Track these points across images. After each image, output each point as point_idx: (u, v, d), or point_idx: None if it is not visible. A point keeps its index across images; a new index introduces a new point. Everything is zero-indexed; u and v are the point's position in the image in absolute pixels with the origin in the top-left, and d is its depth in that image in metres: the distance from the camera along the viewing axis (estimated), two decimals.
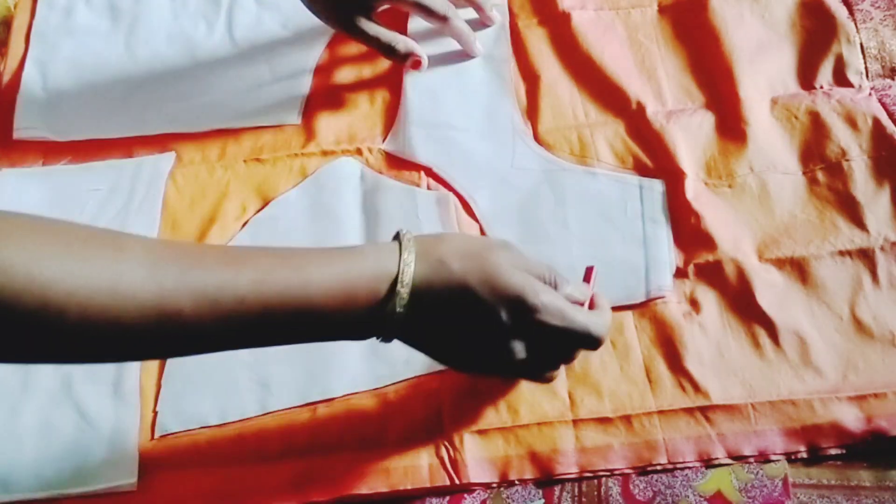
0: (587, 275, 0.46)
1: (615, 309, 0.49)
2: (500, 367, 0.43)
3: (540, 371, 0.43)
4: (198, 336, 0.37)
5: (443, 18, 0.57)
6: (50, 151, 0.59)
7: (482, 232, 0.53)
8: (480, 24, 0.61)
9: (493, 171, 0.55)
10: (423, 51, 0.58)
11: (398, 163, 0.56)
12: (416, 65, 0.58)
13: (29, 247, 0.33)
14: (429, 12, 0.57)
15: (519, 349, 0.40)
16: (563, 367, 0.45)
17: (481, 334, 0.40)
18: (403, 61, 0.58)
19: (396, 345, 0.49)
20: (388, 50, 0.57)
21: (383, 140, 0.58)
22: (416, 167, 0.56)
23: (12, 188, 0.57)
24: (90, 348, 0.35)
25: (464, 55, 0.60)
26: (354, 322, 0.39)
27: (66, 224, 0.36)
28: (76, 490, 0.46)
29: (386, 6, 0.57)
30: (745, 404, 0.45)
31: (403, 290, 0.38)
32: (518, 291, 0.39)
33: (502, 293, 0.39)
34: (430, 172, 0.55)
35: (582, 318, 0.41)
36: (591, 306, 0.44)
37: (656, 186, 0.53)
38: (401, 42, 0.57)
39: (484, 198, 0.54)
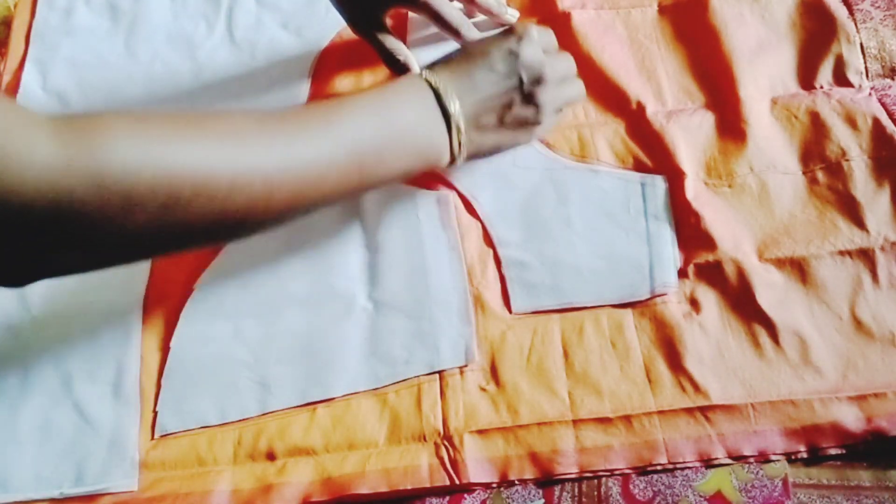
0: None
1: (621, 306, 0.49)
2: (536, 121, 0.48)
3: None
4: (324, 193, 0.41)
5: (455, 32, 0.56)
6: None
7: (485, 232, 0.53)
8: (497, 25, 0.61)
9: (494, 170, 0.55)
10: (423, 58, 0.58)
11: None
12: None
13: (152, 140, 0.35)
14: (444, 24, 0.56)
15: (544, 59, 0.47)
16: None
17: (513, 93, 0.47)
18: (398, 72, 0.57)
19: (396, 345, 0.49)
20: (388, 56, 0.57)
21: None
22: None
23: None
24: (219, 231, 0.39)
25: None
26: (430, 152, 0.45)
27: (166, 113, 0.38)
28: (76, 490, 0.46)
29: (402, 9, 0.57)
30: (745, 404, 0.45)
31: (457, 115, 0.45)
32: (506, 28, 0.48)
33: (496, 37, 0.47)
34: (430, 173, 0.55)
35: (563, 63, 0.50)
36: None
37: (659, 183, 0.53)
38: (402, 54, 0.57)
39: (486, 197, 0.54)
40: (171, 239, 0.38)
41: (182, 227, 0.36)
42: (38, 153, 0.31)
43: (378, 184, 0.45)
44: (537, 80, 0.46)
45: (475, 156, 0.48)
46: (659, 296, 0.49)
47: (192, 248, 0.46)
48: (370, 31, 0.56)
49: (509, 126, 0.47)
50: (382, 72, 0.61)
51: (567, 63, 0.50)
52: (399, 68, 0.57)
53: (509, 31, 0.47)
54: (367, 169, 0.43)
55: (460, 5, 0.59)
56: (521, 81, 0.46)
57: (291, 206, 0.40)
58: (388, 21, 0.57)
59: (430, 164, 0.46)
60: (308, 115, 0.42)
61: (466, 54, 0.47)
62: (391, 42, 0.57)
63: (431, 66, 0.47)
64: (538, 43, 0.47)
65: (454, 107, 0.45)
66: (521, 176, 0.54)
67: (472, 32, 0.56)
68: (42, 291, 0.52)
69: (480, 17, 0.60)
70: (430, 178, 0.55)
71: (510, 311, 0.50)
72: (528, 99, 0.47)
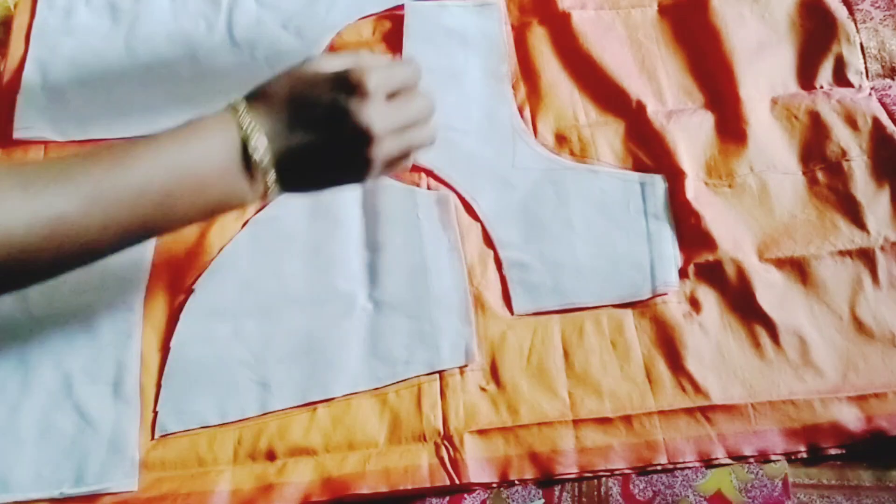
0: None
1: (621, 306, 0.49)
2: (369, 149, 0.42)
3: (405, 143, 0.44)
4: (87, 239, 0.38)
5: None
6: (50, 151, 0.59)
7: (485, 233, 0.53)
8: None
9: (494, 171, 0.55)
10: (421, 50, 0.58)
11: None
12: None
13: None
14: None
15: (376, 120, 0.40)
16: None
17: (337, 128, 0.41)
18: None
19: (396, 345, 0.49)
20: None
21: None
22: (417, 169, 0.56)
23: None
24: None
25: (461, 54, 0.60)
26: (229, 195, 0.41)
27: None
28: (76, 490, 0.46)
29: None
30: (745, 404, 0.45)
31: (261, 146, 0.40)
32: (340, 75, 0.41)
33: (330, 83, 0.41)
34: (431, 174, 0.55)
35: (404, 67, 0.44)
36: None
37: (658, 183, 0.53)
38: None
39: (486, 199, 0.54)
40: None
41: None
42: None
43: (170, 230, 0.41)
44: (366, 142, 0.41)
45: (295, 191, 0.44)
46: (660, 295, 0.49)
47: None
48: None
49: (331, 173, 0.43)
50: None
51: (418, 107, 0.44)
52: None
53: (345, 79, 0.40)
54: (154, 218, 0.39)
55: None
56: (348, 140, 0.41)
57: (57, 260, 0.38)
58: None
59: (231, 208, 0.43)
60: (78, 163, 0.38)
61: (291, 94, 0.41)
62: None
63: (252, 97, 0.42)
64: (376, 97, 0.40)
65: (259, 154, 0.40)
66: (521, 177, 0.54)
67: None
68: (42, 291, 0.52)
69: None
70: (430, 178, 0.55)
71: (511, 313, 0.50)
72: (355, 155, 0.42)
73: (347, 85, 0.40)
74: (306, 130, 0.41)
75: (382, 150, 0.42)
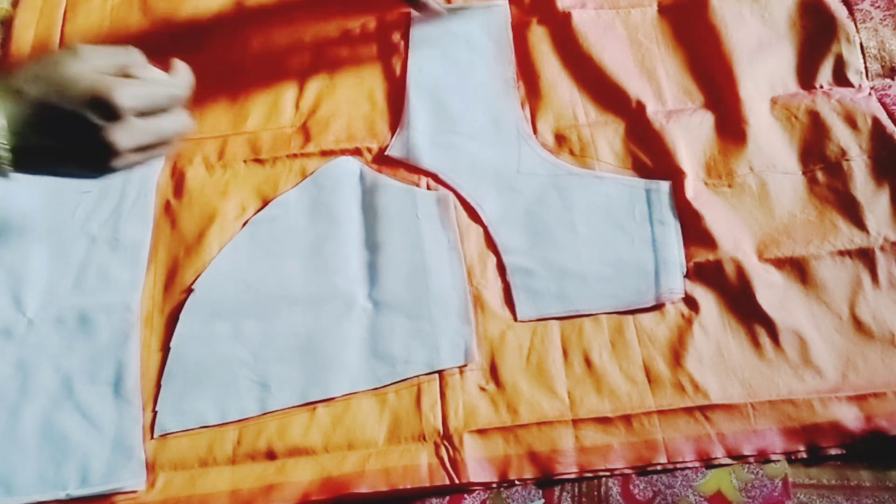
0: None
1: (626, 313, 0.49)
2: (110, 161, 0.42)
3: (150, 147, 0.43)
4: None
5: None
6: None
7: (487, 237, 0.53)
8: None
9: (498, 176, 0.55)
10: (428, 55, 0.58)
11: (398, 162, 0.56)
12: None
13: None
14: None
15: (123, 140, 0.40)
16: None
17: (83, 139, 0.40)
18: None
19: (396, 344, 0.49)
20: None
21: (383, 140, 0.58)
22: (420, 171, 0.55)
23: (4, 192, 0.57)
24: None
25: (467, 58, 0.60)
26: None
27: None
28: (82, 491, 0.46)
29: None
30: (745, 404, 0.45)
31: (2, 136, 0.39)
32: (96, 93, 0.40)
33: (82, 99, 0.40)
34: (436, 179, 0.55)
35: (161, 92, 0.42)
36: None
37: (663, 188, 0.53)
38: None
39: (490, 204, 0.54)
40: None
41: None
42: None
43: None
44: (108, 155, 0.41)
45: (29, 174, 0.42)
46: (664, 302, 0.49)
47: None
48: None
49: (68, 169, 0.42)
50: (383, 68, 0.61)
51: (168, 125, 0.43)
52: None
53: (98, 98, 0.40)
54: None
55: None
56: (90, 150, 0.41)
57: None
58: None
59: None
60: None
61: (43, 96, 0.40)
62: None
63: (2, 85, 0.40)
64: (126, 118, 0.40)
65: None
66: (526, 183, 0.54)
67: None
68: (41, 292, 0.52)
69: None
70: (430, 178, 0.55)
71: (515, 319, 0.50)
72: (95, 162, 0.41)
73: (100, 104, 0.40)
74: (50, 135, 0.40)
75: (124, 160, 0.42)
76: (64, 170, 0.43)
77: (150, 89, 0.42)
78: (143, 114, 0.41)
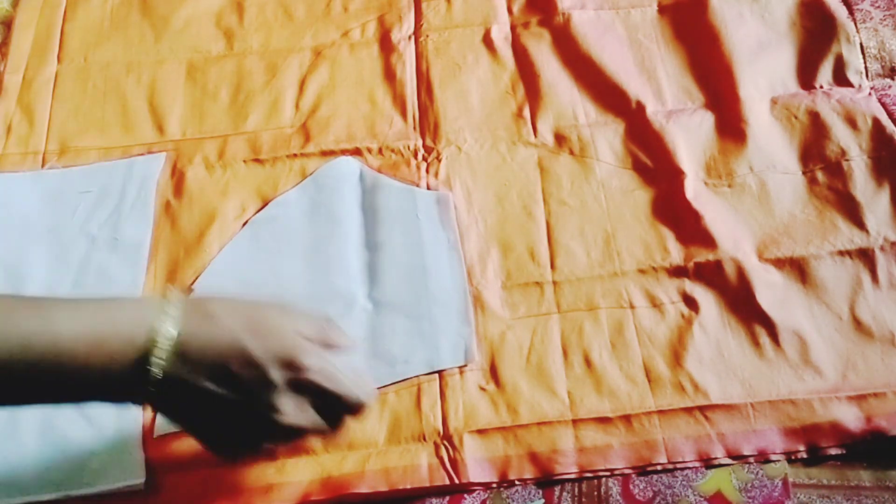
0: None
1: (616, 308, 0.49)
2: (263, 432, 0.39)
3: (302, 433, 0.40)
4: None
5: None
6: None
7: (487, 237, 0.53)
8: None
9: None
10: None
11: (398, 162, 0.56)
12: None
13: None
14: None
15: (287, 408, 0.38)
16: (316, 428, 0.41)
17: (249, 392, 0.37)
18: None
19: (396, 344, 0.49)
20: None
21: (383, 140, 0.57)
22: (418, 168, 0.55)
23: (4, 193, 0.57)
24: None
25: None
26: (109, 379, 0.35)
27: None
28: (82, 491, 0.46)
29: None
30: (745, 404, 0.45)
31: (164, 343, 0.35)
32: (289, 351, 0.38)
33: (273, 350, 0.37)
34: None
35: (348, 383, 0.40)
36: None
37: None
38: None
39: None
40: None
41: None
42: None
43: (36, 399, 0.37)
44: (265, 424, 0.38)
45: (167, 418, 0.40)
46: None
47: None
48: None
49: (218, 431, 0.39)
50: (383, 69, 0.61)
51: (328, 419, 0.40)
52: None
53: (289, 361, 0.37)
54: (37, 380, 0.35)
55: None
56: (251, 413, 0.38)
57: None
58: None
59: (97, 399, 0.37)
60: None
61: (231, 343, 0.37)
62: None
63: (195, 311, 0.37)
64: (302, 394, 0.38)
65: (154, 370, 0.35)
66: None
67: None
68: (41, 291, 0.52)
69: None
70: (429, 178, 0.55)
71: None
72: (247, 429, 0.39)
73: (288, 366, 0.37)
74: (211, 370, 0.36)
75: (274, 437, 0.39)
76: (205, 427, 0.39)
77: (338, 381, 0.39)
78: (319, 399, 0.39)
